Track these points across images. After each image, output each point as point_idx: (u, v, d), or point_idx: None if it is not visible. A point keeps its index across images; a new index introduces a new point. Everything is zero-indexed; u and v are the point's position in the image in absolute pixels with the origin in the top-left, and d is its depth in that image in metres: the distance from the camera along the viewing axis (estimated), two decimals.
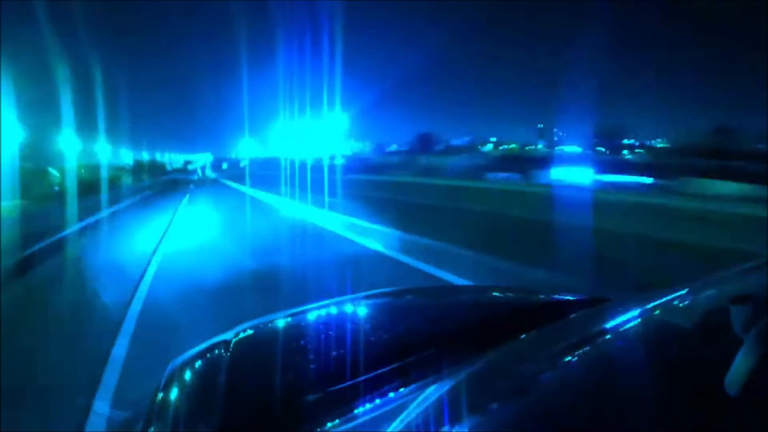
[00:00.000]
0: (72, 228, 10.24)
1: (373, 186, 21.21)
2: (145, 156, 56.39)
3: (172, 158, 69.88)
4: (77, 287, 5.58)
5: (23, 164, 18.72)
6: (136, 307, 4.63)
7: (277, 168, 29.61)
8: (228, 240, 9.07)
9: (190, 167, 65.76)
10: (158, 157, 63.99)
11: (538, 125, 49.38)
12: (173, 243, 8.65)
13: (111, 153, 41.21)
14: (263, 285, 5.29)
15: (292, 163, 26.98)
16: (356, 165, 38.08)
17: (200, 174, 58.42)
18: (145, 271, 6.22)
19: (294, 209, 13.86)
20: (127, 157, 48.86)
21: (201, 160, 69.23)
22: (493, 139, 50.26)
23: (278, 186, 21.49)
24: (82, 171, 26.47)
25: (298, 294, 4.65)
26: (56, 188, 21.71)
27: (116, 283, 5.61)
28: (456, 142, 49.17)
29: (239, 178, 35.57)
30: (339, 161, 41.05)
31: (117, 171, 35.28)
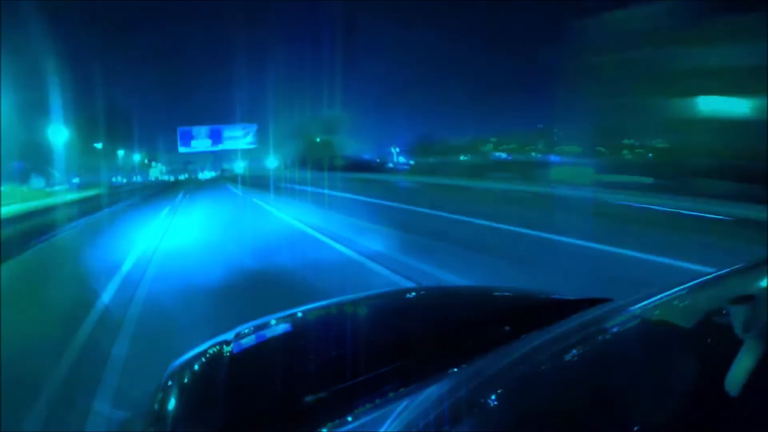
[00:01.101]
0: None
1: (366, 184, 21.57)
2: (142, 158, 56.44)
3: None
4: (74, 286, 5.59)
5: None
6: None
7: (272, 170, 30.59)
8: (214, 219, 9.89)
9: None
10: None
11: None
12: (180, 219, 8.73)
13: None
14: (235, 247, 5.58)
15: (290, 164, 27.32)
16: (353, 165, 38.12)
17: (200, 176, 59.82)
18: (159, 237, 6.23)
19: (282, 208, 13.83)
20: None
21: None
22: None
23: (269, 187, 21.82)
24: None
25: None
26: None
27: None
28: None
29: (233, 180, 36.93)
30: (339, 162, 41.12)
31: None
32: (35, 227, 11.13)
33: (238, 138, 45.21)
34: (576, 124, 19.75)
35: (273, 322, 1.40)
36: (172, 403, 1.07)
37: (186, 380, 1.16)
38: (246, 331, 1.32)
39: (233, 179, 40.53)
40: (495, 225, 8.53)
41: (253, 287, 5.19)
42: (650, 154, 16.90)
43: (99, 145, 42.20)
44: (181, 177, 60.27)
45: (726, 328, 0.70)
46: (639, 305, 0.92)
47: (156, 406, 1.05)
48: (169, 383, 1.12)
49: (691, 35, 15.02)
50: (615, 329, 0.90)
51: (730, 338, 0.67)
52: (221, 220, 12.33)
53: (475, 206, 11.62)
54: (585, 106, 18.78)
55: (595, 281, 4.74)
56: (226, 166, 60.51)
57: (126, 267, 6.52)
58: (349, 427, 0.82)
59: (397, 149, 45.82)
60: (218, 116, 48.50)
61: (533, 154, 26.14)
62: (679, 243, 6.39)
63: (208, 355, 1.23)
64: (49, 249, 9.37)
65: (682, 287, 0.93)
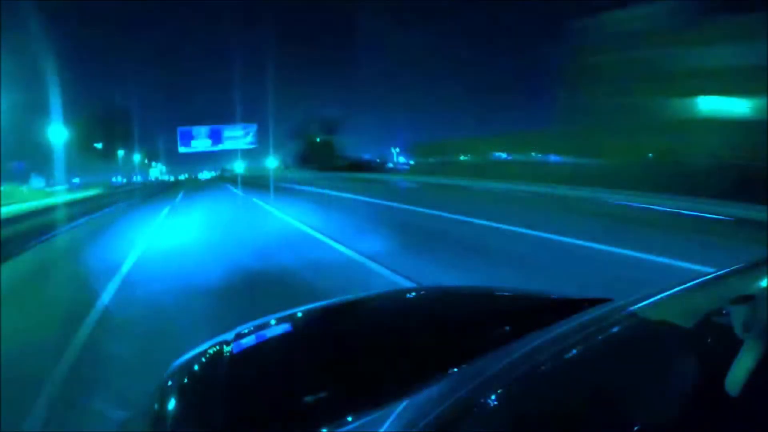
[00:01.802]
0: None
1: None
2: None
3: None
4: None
5: None
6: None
7: (272, 170, 31.17)
8: (214, 219, 11.29)
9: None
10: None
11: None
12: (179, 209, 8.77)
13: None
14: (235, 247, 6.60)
15: (290, 164, 27.57)
16: (353, 165, 38.30)
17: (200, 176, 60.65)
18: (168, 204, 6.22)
19: (282, 208, 13.88)
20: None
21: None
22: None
23: (269, 187, 22.07)
24: None
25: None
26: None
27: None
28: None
29: (233, 180, 37.29)
30: (338, 162, 41.25)
31: None
32: (35, 227, 11.14)
33: (238, 138, 45.14)
34: (576, 124, 19.73)
35: (273, 322, 1.40)
36: (172, 403, 1.07)
37: (186, 380, 1.16)
38: (246, 331, 1.32)
39: (233, 179, 40.65)
40: (495, 225, 8.54)
41: (254, 287, 5.19)
42: (650, 154, 16.88)
43: (99, 145, 42.29)
44: (181, 177, 60.47)
45: (726, 328, 0.70)
46: (639, 305, 0.92)
47: (156, 406, 1.05)
48: (169, 383, 1.12)
49: (691, 35, 15.02)
50: (615, 329, 0.90)
51: (730, 338, 0.67)
52: (221, 220, 12.34)
53: (474, 206, 11.63)
54: (585, 106, 18.78)
55: (594, 281, 4.74)
56: (226, 166, 60.63)
57: (126, 267, 6.52)
58: (349, 427, 0.82)
59: (397, 149, 45.76)
60: (218, 116, 48.46)
61: (533, 154, 26.10)
62: (679, 243, 6.40)
63: (208, 355, 1.23)
64: (49, 249, 9.38)
65: (682, 287, 0.93)
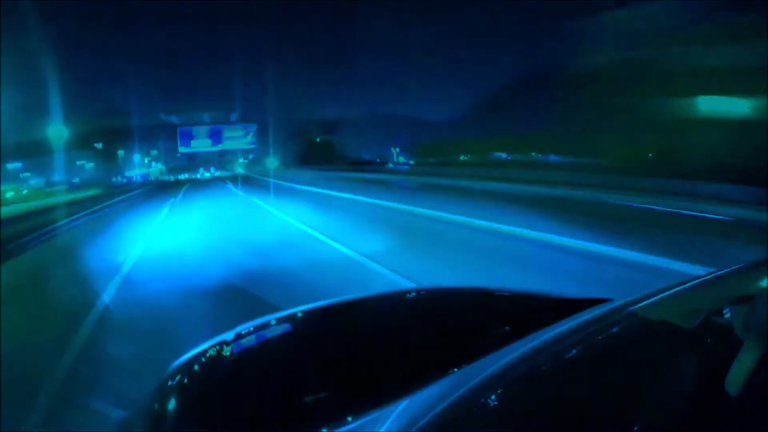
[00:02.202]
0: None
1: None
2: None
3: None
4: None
5: None
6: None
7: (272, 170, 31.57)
8: (214, 219, 11.61)
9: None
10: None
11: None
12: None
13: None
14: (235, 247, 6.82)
15: (290, 164, 27.76)
16: (353, 165, 38.52)
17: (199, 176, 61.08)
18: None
19: (282, 208, 13.89)
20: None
21: None
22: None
23: (269, 187, 22.29)
24: None
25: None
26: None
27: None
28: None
29: (233, 180, 38.38)
30: (339, 162, 41.38)
31: None
32: (35, 227, 11.14)
33: (238, 138, 45.21)
34: (576, 124, 19.76)
35: (273, 322, 1.40)
36: (172, 403, 1.07)
37: (186, 380, 1.16)
38: (246, 331, 1.32)
39: (233, 179, 40.72)
40: (495, 225, 8.53)
41: (254, 287, 5.19)
42: (650, 154, 16.90)
43: (99, 145, 42.35)
44: (181, 177, 60.46)
45: (726, 328, 0.70)
46: (639, 305, 0.92)
47: (156, 406, 1.05)
48: (169, 383, 1.12)
49: (691, 35, 15.03)
50: (615, 329, 0.90)
51: (730, 338, 0.67)
52: (222, 220, 12.34)
53: (474, 206, 11.62)
54: (585, 106, 18.79)
55: (593, 281, 4.75)
56: (226, 165, 60.76)
57: (126, 267, 6.52)
58: (349, 427, 0.82)
59: (397, 149, 45.78)
60: (218, 116, 48.37)
61: (533, 154, 26.16)
62: (679, 243, 6.39)
63: (208, 355, 1.23)
64: (49, 249, 9.39)
65: (682, 287, 0.93)
